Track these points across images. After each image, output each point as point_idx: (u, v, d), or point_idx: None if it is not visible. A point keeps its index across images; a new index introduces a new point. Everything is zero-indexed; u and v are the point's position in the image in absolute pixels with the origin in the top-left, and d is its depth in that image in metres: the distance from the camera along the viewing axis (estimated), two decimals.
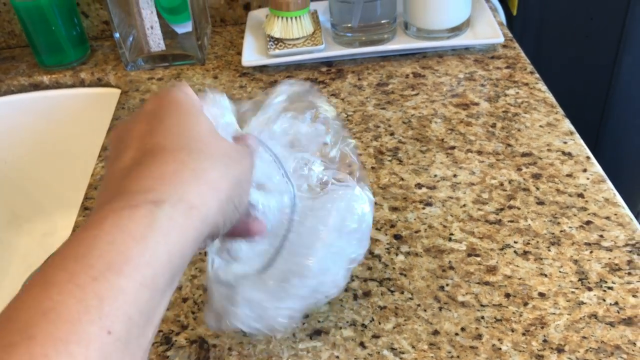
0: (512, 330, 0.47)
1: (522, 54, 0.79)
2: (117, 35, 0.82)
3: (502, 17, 0.92)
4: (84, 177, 0.77)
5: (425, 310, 0.49)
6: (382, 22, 0.80)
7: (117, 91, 0.83)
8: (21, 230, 0.95)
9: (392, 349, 0.47)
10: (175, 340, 0.49)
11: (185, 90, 0.37)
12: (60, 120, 0.88)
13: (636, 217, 0.56)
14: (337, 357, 0.47)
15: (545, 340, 0.46)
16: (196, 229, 0.31)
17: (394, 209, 0.59)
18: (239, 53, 0.84)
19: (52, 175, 0.93)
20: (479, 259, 0.53)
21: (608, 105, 0.96)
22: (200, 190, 0.32)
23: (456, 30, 0.81)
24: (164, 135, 0.33)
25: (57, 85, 0.87)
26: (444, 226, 0.56)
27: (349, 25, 0.80)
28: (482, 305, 0.49)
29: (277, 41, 0.82)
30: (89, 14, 0.92)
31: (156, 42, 0.83)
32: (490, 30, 0.80)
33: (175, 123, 0.35)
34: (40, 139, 0.90)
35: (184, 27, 0.83)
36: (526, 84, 0.74)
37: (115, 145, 0.35)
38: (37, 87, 0.87)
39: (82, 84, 0.86)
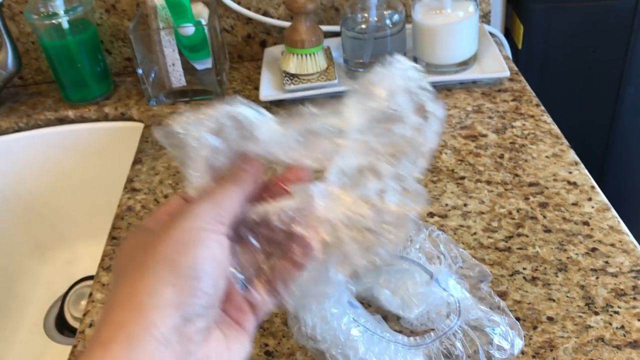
0: (523, 353, 0.49)
1: (528, 87, 0.83)
2: (140, 71, 0.86)
3: (508, 50, 0.96)
4: (106, 207, 0.80)
5: None
6: None
7: (140, 125, 0.87)
8: (44, 258, 0.99)
9: None
10: None
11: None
12: (84, 153, 0.92)
13: None
14: None
15: None
16: None
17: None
18: (256, 88, 0.88)
19: (74, 205, 0.97)
20: (490, 284, 0.55)
21: (612, 135, 0.99)
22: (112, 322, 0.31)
23: (464, 64, 0.84)
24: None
25: (82, 120, 0.91)
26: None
27: (361, 60, 0.84)
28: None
29: (293, 77, 0.85)
30: (112, 51, 0.96)
31: (177, 78, 0.87)
32: (496, 64, 0.84)
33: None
34: (65, 171, 0.94)
35: (204, 64, 0.88)
36: (532, 116, 0.77)
37: None
38: (62, 121, 0.91)
39: (105, 118, 0.90)
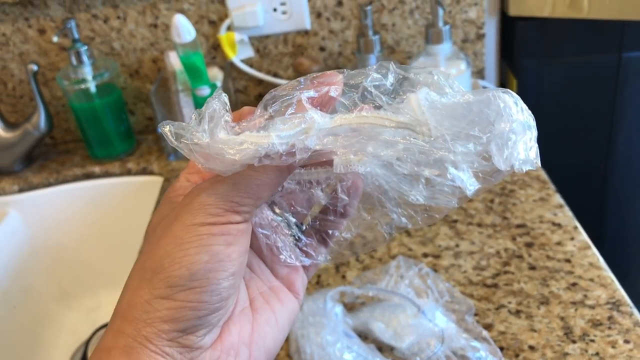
0: None
1: None
2: (160, 129, 0.94)
3: None
4: (128, 256, 0.86)
5: None
6: None
7: (160, 179, 0.94)
8: (69, 306, 1.05)
9: None
10: None
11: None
12: (108, 206, 0.99)
13: None
14: None
15: None
16: None
17: None
18: None
19: (99, 255, 1.03)
20: (477, 317, 0.60)
21: (607, 183, 1.04)
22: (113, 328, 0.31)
23: None
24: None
25: (107, 175, 0.98)
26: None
27: None
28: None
29: None
30: (135, 111, 1.04)
31: None
32: None
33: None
34: (90, 222, 1.01)
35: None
36: None
37: None
38: (89, 176, 0.99)
39: (129, 173, 0.98)
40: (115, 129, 0.98)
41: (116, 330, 0.31)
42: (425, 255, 0.69)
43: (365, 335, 0.59)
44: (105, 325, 0.99)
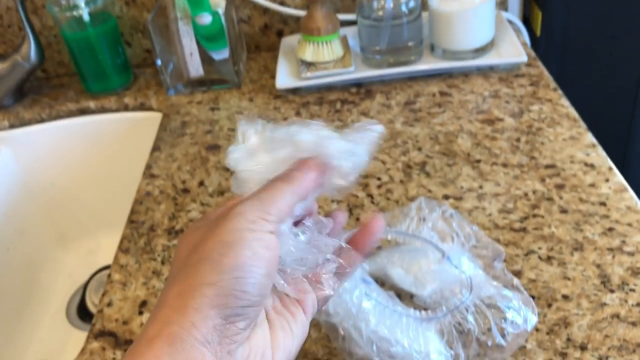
0: (537, 330, 0.49)
1: (546, 72, 0.82)
2: (159, 62, 0.87)
3: (526, 37, 0.95)
4: (127, 196, 0.81)
5: None
6: (409, 44, 0.84)
7: (159, 114, 0.88)
8: (67, 248, 1.00)
9: None
10: None
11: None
12: (105, 143, 0.94)
13: None
14: None
15: (569, 339, 0.48)
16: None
17: None
18: (273, 77, 0.89)
19: (96, 195, 0.98)
20: (504, 264, 0.55)
21: (635, 120, 0.98)
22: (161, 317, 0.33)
23: (481, 50, 0.84)
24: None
25: (103, 110, 0.92)
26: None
27: (377, 48, 0.84)
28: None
29: (309, 65, 0.86)
30: (132, 43, 0.98)
31: (195, 68, 0.88)
32: (513, 50, 0.83)
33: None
34: (86, 161, 0.96)
35: (221, 54, 0.88)
36: (549, 100, 0.76)
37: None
38: (84, 112, 0.93)
39: (126, 108, 0.92)
40: (111, 61, 0.91)
41: (162, 320, 0.32)
42: (446, 197, 0.64)
43: (382, 282, 0.54)
44: (104, 268, 0.96)
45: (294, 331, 0.37)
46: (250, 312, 0.33)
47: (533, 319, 0.47)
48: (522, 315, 0.46)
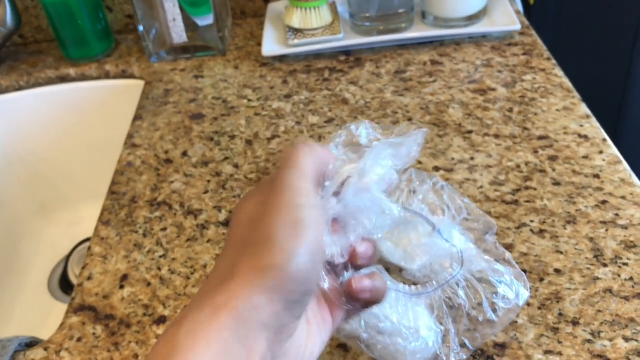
0: (528, 305, 0.48)
1: (539, 41, 0.80)
2: (141, 28, 0.84)
3: (520, 6, 0.93)
4: (109, 167, 0.79)
5: None
6: (400, 11, 0.82)
7: (141, 82, 0.85)
8: (48, 220, 0.98)
9: None
10: None
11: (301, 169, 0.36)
12: (86, 112, 0.91)
13: None
14: None
15: (560, 314, 0.47)
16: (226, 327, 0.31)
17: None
18: (259, 44, 0.86)
19: (77, 165, 0.96)
20: (496, 237, 0.54)
21: (628, 90, 0.96)
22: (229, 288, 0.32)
23: (473, 18, 0.81)
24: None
25: (83, 78, 0.89)
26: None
27: (367, 14, 0.82)
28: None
29: (297, 31, 0.83)
30: (113, 8, 0.94)
31: (179, 34, 0.85)
32: (507, 18, 0.81)
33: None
34: (66, 130, 0.93)
35: (206, 20, 0.85)
36: (543, 70, 0.74)
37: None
38: (64, 79, 0.90)
39: (107, 76, 0.89)
40: (91, 26, 0.88)
41: (230, 292, 0.31)
42: (437, 169, 0.62)
43: None
44: (87, 240, 0.94)
45: (322, 337, 0.37)
46: (307, 300, 0.33)
47: (525, 294, 0.46)
48: (514, 290, 0.45)
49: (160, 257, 0.57)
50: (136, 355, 0.48)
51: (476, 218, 0.52)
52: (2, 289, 0.85)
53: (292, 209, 0.33)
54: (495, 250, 0.49)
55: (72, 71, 0.89)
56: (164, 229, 0.60)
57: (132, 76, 0.88)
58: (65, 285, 0.88)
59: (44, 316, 0.85)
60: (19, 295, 0.87)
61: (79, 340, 0.51)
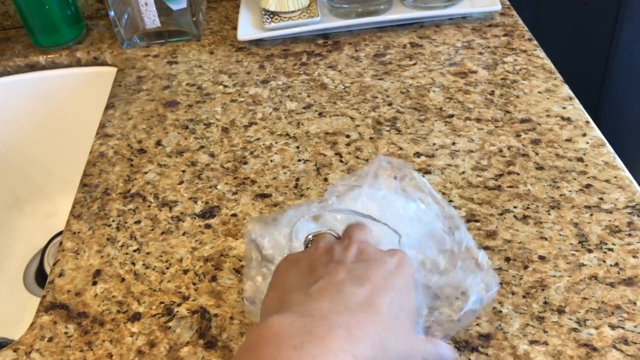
0: (513, 294, 0.47)
1: (520, 22, 0.79)
2: (112, 13, 0.82)
3: None
4: (83, 156, 0.77)
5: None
6: None
7: (114, 69, 0.83)
8: (23, 212, 0.95)
9: None
10: (177, 311, 0.49)
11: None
12: (57, 101, 0.88)
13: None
14: None
15: (545, 302, 0.46)
16: None
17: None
18: (235, 28, 0.84)
19: (51, 156, 0.93)
20: (478, 224, 0.53)
21: (608, 72, 0.95)
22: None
23: None
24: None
25: (54, 66, 0.86)
26: (443, 193, 0.56)
27: None
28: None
29: (273, 15, 0.81)
30: None
31: (151, 19, 0.82)
32: None
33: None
34: (38, 119, 0.90)
35: (179, 4, 0.83)
36: (524, 51, 0.73)
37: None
38: (33, 67, 0.87)
39: (78, 63, 0.86)
40: (60, 13, 0.85)
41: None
42: (418, 154, 0.61)
43: None
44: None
45: None
46: None
47: (490, 298, 0.43)
48: (480, 295, 0.43)
49: (134, 251, 0.55)
50: (110, 355, 0.47)
51: (449, 216, 0.49)
52: None
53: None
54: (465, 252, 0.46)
55: (41, 59, 0.86)
56: (138, 222, 0.58)
57: (104, 63, 0.85)
58: (41, 279, 0.86)
59: (20, 312, 0.82)
60: None
61: (50, 340, 0.49)
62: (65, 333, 0.49)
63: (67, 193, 0.93)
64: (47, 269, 0.87)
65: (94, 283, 0.53)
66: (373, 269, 0.37)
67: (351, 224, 0.43)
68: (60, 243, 0.57)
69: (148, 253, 0.54)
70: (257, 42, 0.81)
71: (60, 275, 0.54)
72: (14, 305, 0.83)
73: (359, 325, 0.33)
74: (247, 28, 0.81)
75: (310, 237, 0.42)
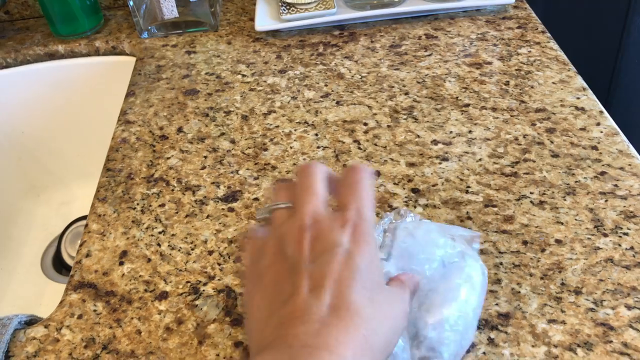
0: (531, 275, 0.48)
1: (533, 14, 0.80)
2: (131, 2, 0.83)
3: None
4: (100, 145, 0.78)
5: None
6: None
7: (132, 59, 0.84)
8: (39, 199, 0.97)
9: None
10: (203, 290, 0.50)
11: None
12: (76, 89, 0.89)
13: None
14: None
15: (563, 284, 0.47)
16: None
17: (410, 165, 0.60)
18: (252, 19, 0.85)
19: (68, 144, 0.94)
20: (495, 209, 0.54)
21: (618, 64, 0.96)
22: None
23: None
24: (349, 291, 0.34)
25: (72, 55, 0.88)
26: (461, 179, 0.57)
27: None
28: (500, 252, 0.50)
29: (289, 6, 0.82)
30: None
31: (169, 9, 0.84)
32: None
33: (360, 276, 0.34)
34: (56, 108, 0.91)
35: None
36: (538, 43, 0.74)
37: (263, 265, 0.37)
38: (52, 56, 0.88)
39: (97, 52, 0.87)
40: (79, 2, 0.86)
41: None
42: (435, 142, 0.62)
43: None
44: (79, 219, 0.93)
45: None
46: None
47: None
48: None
49: (160, 233, 0.56)
50: (139, 331, 0.48)
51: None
52: None
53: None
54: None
55: (61, 48, 0.88)
56: (162, 205, 0.59)
57: (122, 52, 0.86)
58: (58, 265, 0.88)
59: (38, 295, 0.84)
60: (12, 274, 0.86)
61: (80, 317, 0.50)
62: (94, 310, 0.51)
63: (83, 180, 0.95)
64: (64, 255, 0.89)
65: (121, 263, 0.54)
66: (331, 262, 0.34)
67: (299, 187, 0.39)
68: (86, 225, 0.59)
69: (173, 235, 0.56)
70: (274, 33, 0.82)
71: (87, 255, 0.55)
72: (32, 289, 0.85)
73: (339, 338, 0.31)
74: (264, 19, 0.82)
75: (262, 215, 0.41)
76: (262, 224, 0.41)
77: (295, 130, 0.66)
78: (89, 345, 0.48)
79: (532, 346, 0.44)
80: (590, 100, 0.65)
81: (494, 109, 0.65)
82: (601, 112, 0.63)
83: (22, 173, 0.95)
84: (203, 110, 0.70)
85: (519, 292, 0.47)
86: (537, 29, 0.77)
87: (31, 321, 0.51)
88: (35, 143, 0.94)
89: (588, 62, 0.97)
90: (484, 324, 0.45)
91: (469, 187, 0.57)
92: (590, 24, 0.95)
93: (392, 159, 0.61)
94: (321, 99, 0.70)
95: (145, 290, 0.51)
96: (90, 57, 0.88)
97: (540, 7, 0.92)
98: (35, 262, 0.89)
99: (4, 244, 0.88)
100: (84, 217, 0.92)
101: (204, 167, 0.63)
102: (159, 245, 0.55)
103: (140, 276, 0.53)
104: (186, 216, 0.58)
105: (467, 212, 0.54)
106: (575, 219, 0.52)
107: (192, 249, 0.54)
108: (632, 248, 0.49)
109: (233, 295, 0.50)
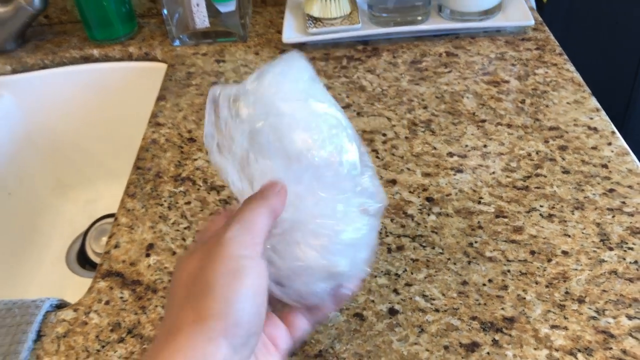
0: (536, 283, 0.51)
1: (552, 37, 0.82)
2: (165, 11, 0.87)
3: (533, 3, 0.95)
4: (128, 146, 0.82)
5: (455, 264, 0.53)
6: (417, 4, 0.84)
7: (164, 65, 0.88)
8: (66, 197, 1.01)
9: (424, 296, 0.51)
10: None
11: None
12: (108, 92, 0.93)
13: None
14: (373, 301, 0.51)
15: (567, 292, 0.50)
16: None
17: (426, 175, 0.62)
18: (279, 32, 0.88)
19: (97, 144, 0.98)
20: (506, 220, 0.56)
21: (636, 87, 0.99)
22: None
23: (488, 13, 0.84)
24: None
25: (107, 59, 0.92)
26: (474, 190, 0.60)
27: (385, 6, 0.84)
28: (508, 260, 0.53)
29: (316, 20, 0.86)
30: None
31: (201, 19, 0.87)
32: (521, 13, 0.83)
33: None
34: (88, 109, 0.95)
35: (228, 7, 0.88)
36: (555, 64, 0.77)
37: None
38: (87, 59, 0.92)
39: (130, 57, 0.91)
40: (115, 9, 0.90)
41: (178, 345, 0.33)
42: (451, 154, 0.65)
43: None
44: (104, 217, 0.96)
45: None
46: (253, 340, 0.34)
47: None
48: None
49: (185, 228, 0.59)
50: (162, 318, 0.51)
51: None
52: (22, 262, 0.88)
53: (232, 260, 0.34)
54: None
55: (95, 52, 0.92)
56: (188, 203, 0.62)
57: (154, 59, 0.90)
58: (82, 260, 0.91)
59: (62, 287, 0.87)
60: (37, 267, 0.90)
61: (107, 303, 0.53)
62: (121, 298, 0.54)
63: (109, 180, 0.99)
64: (89, 251, 0.92)
65: (147, 255, 0.57)
66: None
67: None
68: (116, 218, 0.62)
69: (198, 231, 0.59)
70: (300, 46, 0.86)
71: (116, 246, 0.59)
72: (57, 282, 0.88)
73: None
74: (292, 32, 0.86)
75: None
76: None
77: None
78: (115, 329, 0.51)
79: (535, 349, 0.46)
80: (603, 121, 0.67)
81: (509, 125, 0.68)
82: (613, 132, 0.65)
83: (52, 170, 0.99)
84: None
85: (525, 298, 0.49)
86: (554, 51, 0.79)
87: (61, 305, 0.55)
88: (66, 141, 0.98)
89: (605, 86, 0.99)
90: (489, 326, 0.48)
91: (481, 198, 0.59)
92: (608, 47, 0.97)
93: (408, 169, 0.63)
94: (343, 109, 0.73)
95: (170, 281, 0.54)
96: (123, 62, 0.92)
97: (559, 30, 0.94)
98: (61, 256, 0.92)
99: (32, 237, 0.92)
100: (108, 215, 0.96)
101: None
102: (184, 239, 0.58)
103: (165, 267, 0.56)
104: (210, 214, 0.61)
105: (479, 221, 0.57)
106: (582, 232, 0.54)
107: None
108: (636, 262, 0.51)
109: None
